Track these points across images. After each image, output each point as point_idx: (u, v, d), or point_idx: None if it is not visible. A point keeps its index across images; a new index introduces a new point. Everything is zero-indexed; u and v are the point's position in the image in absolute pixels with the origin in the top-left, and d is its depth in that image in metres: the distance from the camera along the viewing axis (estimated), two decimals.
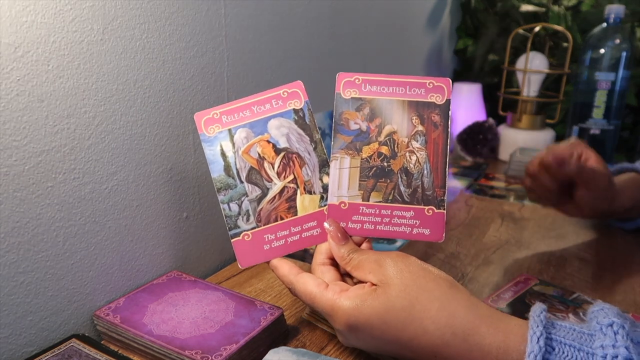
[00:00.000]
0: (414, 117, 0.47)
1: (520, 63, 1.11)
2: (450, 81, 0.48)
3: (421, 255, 0.66)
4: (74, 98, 0.45)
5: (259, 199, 0.48)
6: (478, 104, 1.21)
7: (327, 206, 0.48)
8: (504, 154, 1.13)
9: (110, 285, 0.51)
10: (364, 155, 0.48)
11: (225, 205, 0.47)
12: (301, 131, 0.48)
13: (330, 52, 0.83)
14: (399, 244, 0.68)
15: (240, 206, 0.47)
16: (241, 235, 0.47)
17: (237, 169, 0.48)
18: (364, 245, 0.48)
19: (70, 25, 0.43)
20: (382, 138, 0.48)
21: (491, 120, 1.13)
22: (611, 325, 0.35)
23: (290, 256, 0.50)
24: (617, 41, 1.00)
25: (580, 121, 1.06)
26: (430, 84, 0.47)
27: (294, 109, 0.48)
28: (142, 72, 0.51)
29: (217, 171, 0.48)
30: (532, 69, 1.08)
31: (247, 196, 0.48)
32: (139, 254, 0.54)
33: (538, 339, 0.35)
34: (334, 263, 0.47)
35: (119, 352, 0.45)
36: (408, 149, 0.47)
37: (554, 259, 0.66)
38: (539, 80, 1.11)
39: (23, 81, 0.41)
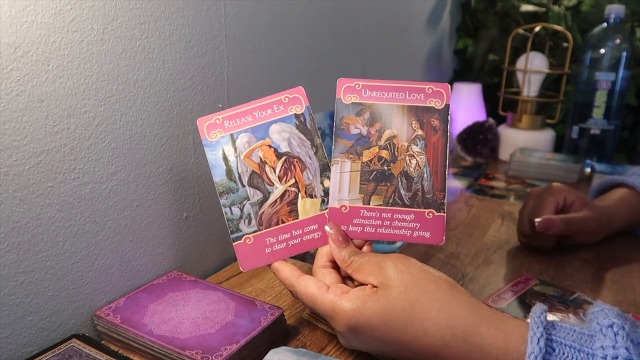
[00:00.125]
0: (414, 122, 0.48)
1: (520, 63, 1.11)
2: (449, 86, 0.48)
3: (421, 256, 0.66)
4: (74, 98, 0.45)
5: (261, 203, 0.48)
6: (478, 104, 1.21)
7: (328, 209, 0.48)
8: (504, 154, 1.13)
9: (111, 285, 0.51)
10: (365, 159, 0.48)
11: (227, 209, 0.47)
12: (302, 136, 0.49)
13: (330, 52, 0.83)
14: (398, 244, 0.68)
15: (242, 210, 0.48)
16: (243, 238, 0.47)
17: (239, 173, 0.48)
18: (365, 248, 0.48)
19: (70, 25, 0.43)
20: (382, 142, 0.48)
21: (491, 120, 1.13)
22: (611, 326, 0.35)
23: (291, 257, 0.50)
24: (617, 41, 1.00)
25: (581, 121, 1.06)
26: (430, 89, 0.48)
27: (295, 114, 0.49)
28: (142, 72, 0.51)
29: (219, 175, 0.48)
30: (532, 69, 1.08)
31: (249, 200, 0.48)
32: (139, 254, 0.54)
33: (538, 339, 0.35)
34: (335, 266, 0.47)
35: (119, 352, 0.45)
36: (408, 153, 0.47)
37: (554, 259, 0.66)
38: (539, 80, 1.11)
39: (23, 81, 0.41)
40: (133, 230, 0.53)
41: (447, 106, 0.48)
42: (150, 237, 0.55)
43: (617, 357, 0.33)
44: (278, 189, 0.48)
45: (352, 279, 0.46)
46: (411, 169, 0.47)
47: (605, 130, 1.05)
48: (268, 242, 0.47)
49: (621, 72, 1.01)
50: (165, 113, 0.54)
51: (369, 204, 0.47)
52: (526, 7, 1.24)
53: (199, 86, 0.58)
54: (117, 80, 0.48)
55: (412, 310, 0.38)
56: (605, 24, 1.01)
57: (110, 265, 0.51)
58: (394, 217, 0.47)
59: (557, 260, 0.66)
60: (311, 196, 0.48)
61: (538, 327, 0.36)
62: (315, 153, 0.49)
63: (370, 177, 0.48)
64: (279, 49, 0.70)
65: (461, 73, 1.42)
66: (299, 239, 0.48)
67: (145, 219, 0.54)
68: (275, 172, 0.48)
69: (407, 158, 0.47)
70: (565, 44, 1.21)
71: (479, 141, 1.10)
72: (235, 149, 0.48)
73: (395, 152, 0.48)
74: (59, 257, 0.46)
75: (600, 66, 1.02)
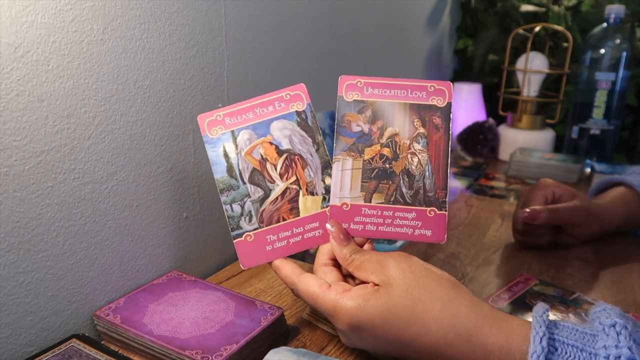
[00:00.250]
0: (416, 120, 0.47)
1: (520, 63, 1.11)
2: (451, 84, 0.48)
3: (421, 255, 0.66)
4: (74, 98, 0.45)
5: (262, 200, 0.48)
6: (478, 104, 1.21)
7: (329, 207, 0.48)
8: (504, 154, 1.13)
9: (110, 285, 0.51)
10: (366, 157, 0.48)
11: (228, 206, 0.47)
12: (304, 133, 0.48)
13: (330, 52, 0.83)
14: (399, 243, 0.68)
15: (242, 207, 0.47)
16: (243, 236, 0.47)
17: (239, 170, 0.48)
18: (366, 246, 0.48)
19: (70, 25, 0.43)
20: (384, 140, 0.48)
21: (491, 120, 1.13)
22: (614, 325, 0.35)
23: (290, 256, 0.50)
24: (617, 41, 1.00)
25: (580, 121, 1.06)
26: (432, 87, 0.48)
27: (296, 111, 0.49)
28: (142, 72, 0.51)
29: (219, 172, 0.48)
30: (532, 69, 1.08)
31: (250, 197, 0.48)
32: (139, 254, 0.54)
33: (541, 339, 0.35)
34: (336, 264, 0.47)
35: (119, 352, 0.45)
36: (410, 151, 0.47)
37: (554, 259, 0.66)
38: (539, 80, 1.11)
39: (23, 81, 0.41)
40: (133, 230, 0.52)
41: (449, 104, 0.48)
42: (150, 237, 0.55)
43: (619, 357, 0.33)
44: (279, 186, 0.48)
45: (353, 277, 0.45)
46: (413, 167, 0.47)
47: (605, 130, 1.05)
48: (269, 240, 0.47)
49: (621, 72, 1.01)
50: (165, 113, 0.54)
51: (370, 202, 0.47)
52: (526, 7, 1.24)
53: (199, 86, 0.58)
54: (117, 80, 0.48)
55: (414, 308, 0.38)
56: (605, 24, 1.01)
57: (110, 265, 0.51)
58: (396, 215, 0.47)
59: (557, 260, 0.66)
60: (312, 194, 0.48)
61: (540, 327, 0.36)
62: (317, 150, 0.49)
63: (372, 175, 0.48)
64: (279, 49, 0.70)
65: (461, 73, 1.42)
66: (300, 236, 0.48)
67: (145, 219, 0.54)
68: (276, 169, 0.48)
69: (408, 156, 0.47)
70: (565, 44, 1.21)
71: (479, 141, 1.10)
72: (236, 145, 0.48)
73: (397, 150, 0.48)
74: (59, 257, 0.46)
75: (600, 66, 1.02)
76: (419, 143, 0.47)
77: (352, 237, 0.47)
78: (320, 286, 0.43)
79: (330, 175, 0.48)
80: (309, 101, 0.49)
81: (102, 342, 0.47)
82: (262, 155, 0.48)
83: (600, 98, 1.03)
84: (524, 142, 1.10)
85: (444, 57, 1.37)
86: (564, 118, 1.21)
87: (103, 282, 0.50)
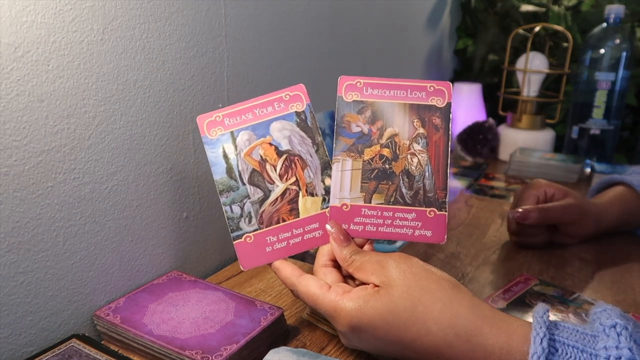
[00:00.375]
0: (415, 120, 0.47)
1: (520, 63, 1.11)
2: (451, 85, 0.48)
3: (421, 256, 0.66)
4: (74, 98, 0.45)
5: (261, 201, 0.48)
6: (478, 104, 1.21)
7: (329, 208, 0.48)
8: (504, 154, 1.13)
9: (110, 285, 0.51)
10: (366, 157, 0.48)
11: (228, 208, 0.47)
12: (303, 134, 0.48)
13: (330, 52, 0.83)
14: (399, 244, 0.68)
15: (242, 208, 0.47)
16: (243, 237, 0.47)
17: (239, 171, 0.48)
18: (366, 247, 0.48)
19: (70, 25, 0.43)
20: (383, 140, 0.48)
21: (491, 120, 1.13)
22: (614, 326, 0.35)
23: (290, 257, 0.50)
24: (617, 41, 1.00)
25: (580, 121, 1.06)
26: (431, 88, 0.48)
27: (296, 112, 0.49)
28: (142, 72, 0.51)
29: (219, 173, 0.48)
30: (532, 69, 1.08)
31: (249, 198, 0.48)
32: (139, 254, 0.54)
33: (541, 340, 0.35)
34: (336, 265, 0.47)
35: (119, 352, 0.45)
36: (409, 152, 0.47)
37: (554, 259, 0.66)
38: (539, 80, 1.11)
39: (23, 81, 0.41)
40: (133, 230, 0.52)
41: (449, 104, 0.48)
42: (150, 237, 0.55)
43: (620, 358, 0.33)
44: (279, 187, 0.48)
45: (353, 278, 0.45)
46: (413, 168, 0.47)
47: (605, 130, 1.05)
48: (269, 241, 0.47)
49: (621, 72, 1.01)
50: (165, 113, 0.54)
51: (370, 203, 0.47)
52: (526, 7, 1.24)
53: (199, 86, 0.58)
54: (117, 80, 0.48)
55: (415, 309, 0.38)
56: (605, 24, 1.01)
57: (110, 265, 0.51)
58: (396, 215, 0.47)
59: (557, 260, 0.66)
60: (312, 194, 0.48)
61: (541, 327, 0.35)
62: (317, 151, 0.49)
63: (372, 176, 0.47)
64: (279, 49, 0.70)
65: (461, 73, 1.42)
66: (300, 237, 0.48)
67: (145, 219, 0.54)
68: (276, 170, 0.48)
69: (408, 156, 0.47)
70: (565, 44, 1.21)
71: (479, 141, 1.10)
72: (236, 146, 0.48)
73: (397, 151, 0.48)
74: (59, 257, 0.46)
75: (600, 66, 1.02)
76: (418, 143, 0.47)
77: (352, 238, 0.47)
78: (320, 287, 0.43)
79: (330, 176, 0.48)
80: (308, 102, 0.49)
81: (102, 342, 0.47)
82: (261, 156, 0.48)
83: (600, 98, 1.03)
84: (524, 142, 1.10)
85: (444, 57, 1.37)
86: (564, 118, 1.21)
87: (103, 282, 0.50)
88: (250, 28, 0.64)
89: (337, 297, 0.41)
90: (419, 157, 0.47)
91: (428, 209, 0.47)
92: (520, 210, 0.65)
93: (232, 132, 0.48)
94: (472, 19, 1.36)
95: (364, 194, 0.47)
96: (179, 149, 0.57)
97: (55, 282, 0.46)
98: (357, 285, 0.44)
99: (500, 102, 1.18)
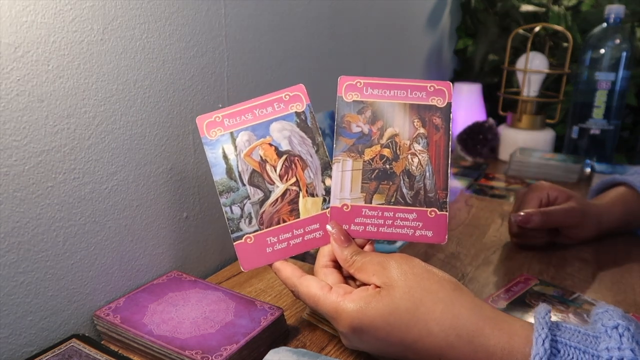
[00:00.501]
0: (416, 120, 0.47)
1: (520, 63, 1.11)
2: (451, 85, 0.48)
3: (421, 256, 0.66)
4: (74, 98, 0.45)
5: (261, 202, 0.48)
6: (478, 104, 1.21)
7: (329, 209, 0.48)
8: (504, 154, 1.13)
9: (110, 285, 0.51)
10: (366, 157, 0.48)
11: (228, 208, 0.47)
12: (303, 134, 0.48)
13: (330, 52, 0.83)
14: (399, 244, 0.68)
15: (242, 209, 0.47)
16: (243, 238, 0.47)
17: (239, 172, 0.48)
18: (367, 248, 0.48)
19: (70, 25, 0.43)
20: (384, 141, 0.48)
21: (491, 120, 1.13)
22: (616, 327, 0.34)
23: (291, 257, 0.50)
24: (617, 41, 1.00)
25: (580, 121, 1.06)
26: (432, 87, 0.48)
27: (296, 112, 0.48)
28: (142, 72, 0.51)
29: (219, 174, 0.47)
30: (532, 69, 1.08)
31: (250, 199, 0.48)
32: (139, 254, 0.54)
33: (543, 341, 0.35)
34: (336, 265, 0.46)
35: (119, 352, 0.45)
36: (410, 152, 0.47)
37: (554, 259, 0.66)
38: (539, 80, 1.11)
39: (23, 81, 0.41)
40: (133, 230, 0.52)
41: (449, 104, 0.47)
42: (150, 237, 0.55)
43: (622, 359, 0.33)
44: (279, 187, 0.48)
45: (354, 279, 0.45)
46: (413, 168, 0.47)
47: (605, 130, 1.05)
48: (269, 242, 0.47)
49: (621, 72, 1.01)
50: (165, 113, 0.54)
51: (370, 203, 0.47)
52: (526, 7, 1.24)
53: (199, 86, 0.58)
54: (117, 80, 0.48)
55: (416, 310, 0.38)
56: (605, 24, 1.01)
57: (110, 265, 0.51)
58: (396, 216, 0.47)
59: (557, 260, 0.66)
60: (312, 195, 0.48)
61: (543, 328, 0.35)
62: (317, 151, 0.49)
63: (372, 176, 0.47)
64: (279, 49, 0.70)
65: (461, 73, 1.42)
66: (300, 238, 0.48)
67: (145, 219, 0.54)
68: (276, 170, 0.48)
69: (409, 156, 0.47)
70: (565, 44, 1.21)
71: (479, 141, 1.10)
72: (236, 147, 0.48)
73: (397, 151, 0.47)
74: (59, 257, 0.46)
75: (600, 66, 1.02)
76: (419, 143, 0.47)
77: (353, 239, 0.47)
78: (321, 288, 0.42)
79: (330, 177, 0.48)
80: (308, 102, 0.49)
81: (102, 342, 0.47)
82: (261, 157, 0.48)
83: (600, 98, 1.03)
84: (524, 142, 1.10)
85: (444, 57, 1.37)
86: (564, 118, 1.21)
87: (103, 282, 0.50)
88: (250, 28, 0.64)
89: (339, 298, 0.41)
90: (420, 157, 0.47)
91: (429, 209, 0.47)
92: (522, 213, 0.65)
93: (231, 133, 0.48)
94: (472, 19, 1.36)
95: (365, 194, 0.47)
96: (179, 149, 0.57)
97: (55, 282, 0.46)
98: (358, 286, 0.43)
99: (500, 102, 1.18)
